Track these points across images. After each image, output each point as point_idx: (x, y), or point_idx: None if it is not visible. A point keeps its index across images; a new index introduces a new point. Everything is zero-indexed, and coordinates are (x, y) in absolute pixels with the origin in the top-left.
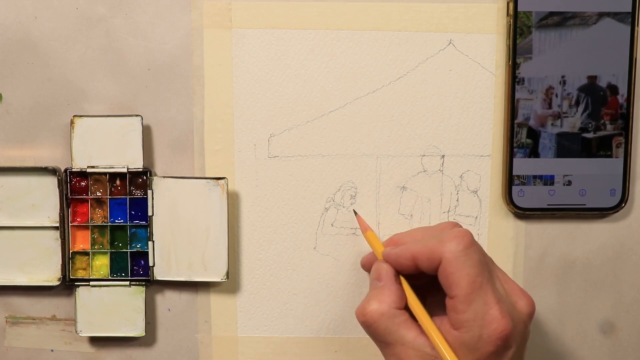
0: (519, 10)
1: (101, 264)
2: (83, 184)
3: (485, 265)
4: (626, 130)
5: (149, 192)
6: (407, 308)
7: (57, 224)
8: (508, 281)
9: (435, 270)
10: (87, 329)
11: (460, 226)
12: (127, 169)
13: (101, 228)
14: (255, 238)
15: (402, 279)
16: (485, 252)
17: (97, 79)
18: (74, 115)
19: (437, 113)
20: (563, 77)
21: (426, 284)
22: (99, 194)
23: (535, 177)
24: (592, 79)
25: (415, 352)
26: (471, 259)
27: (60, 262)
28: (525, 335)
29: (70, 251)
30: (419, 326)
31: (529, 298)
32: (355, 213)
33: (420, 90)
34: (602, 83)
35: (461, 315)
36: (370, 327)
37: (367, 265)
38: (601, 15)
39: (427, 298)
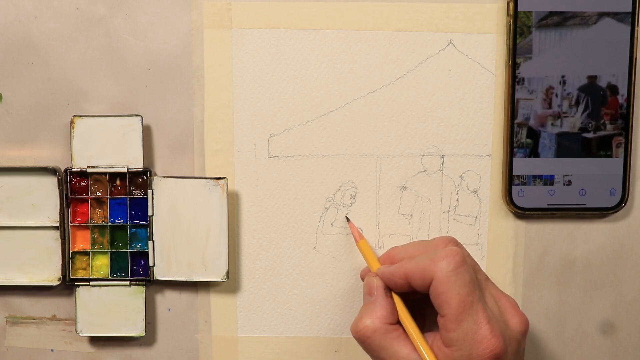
0: (519, 10)
1: (101, 263)
2: (83, 184)
3: (477, 285)
4: (626, 130)
5: (149, 192)
6: (400, 322)
7: (57, 224)
8: (502, 298)
9: (428, 289)
10: (87, 329)
11: (456, 242)
12: (127, 169)
13: (101, 228)
14: (255, 238)
15: (393, 293)
16: (480, 268)
17: (97, 79)
18: (74, 115)
19: (437, 113)
20: (563, 77)
21: (425, 297)
22: (99, 194)
23: (535, 177)
24: (592, 79)
25: None
26: (462, 279)
27: (60, 262)
28: (519, 353)
29: (70, 251)
30: None
31: (522, 316)
32: (348, 220)
33: (420, 90)
34: (602, 83)
35: (451, 334)
36: (364, 343)
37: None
38: (601, 15)
39: (426, 311)
